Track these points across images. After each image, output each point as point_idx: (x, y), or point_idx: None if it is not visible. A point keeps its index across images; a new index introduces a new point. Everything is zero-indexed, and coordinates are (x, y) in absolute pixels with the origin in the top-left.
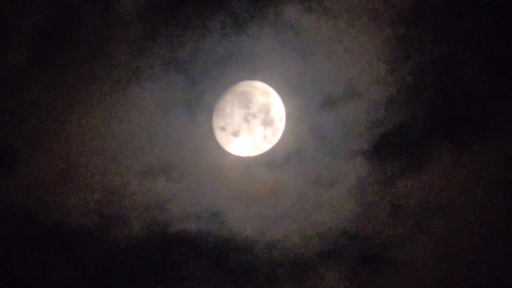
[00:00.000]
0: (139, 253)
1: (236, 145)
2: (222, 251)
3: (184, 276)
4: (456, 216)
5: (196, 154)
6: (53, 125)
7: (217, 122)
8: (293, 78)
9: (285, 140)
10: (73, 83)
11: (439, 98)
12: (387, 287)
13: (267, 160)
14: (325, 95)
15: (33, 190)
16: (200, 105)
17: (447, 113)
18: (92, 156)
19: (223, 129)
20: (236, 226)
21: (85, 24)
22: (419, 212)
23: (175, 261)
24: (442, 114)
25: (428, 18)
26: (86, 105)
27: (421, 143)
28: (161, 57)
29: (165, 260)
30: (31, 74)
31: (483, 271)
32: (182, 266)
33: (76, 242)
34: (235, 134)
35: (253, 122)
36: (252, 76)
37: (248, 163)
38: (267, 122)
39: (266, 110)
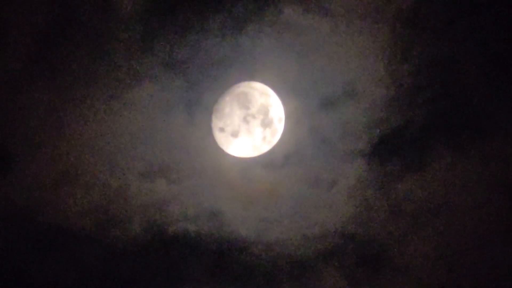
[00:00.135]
0: (138, 254)
1: (235, 146)
2: (221, 252)
3: (183, 276)
4: (455, 216)
5: (195, 155)
6: (52, 126)
7: (216, 123)
8: (292, 79)
9: (284, 141)
10: (72, 84)
11: (438, 99)
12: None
13: (266, 161)
14: (324, 95)
15: (32, 191)
16: (199, 106)
17: (446, 113)
18: (91, 157)
19: (222, 130)
20: (235, 227)
21: (84, 25)
22: (418, 213)
23: (174, 262)
24: (441, 114)
25: (428, 18)
26: (85, 106)
27: (420, 143)
28: (160, 58)
29: (164, 260)
30: (30, 75)
31: (482, 271)
32: (181, 266)
33: (75, 243)
34: (234, 135)
35: (252, 123)
36: (251, 77)
37: (247, 164)
38: (266, 123)
39: (265, 111)
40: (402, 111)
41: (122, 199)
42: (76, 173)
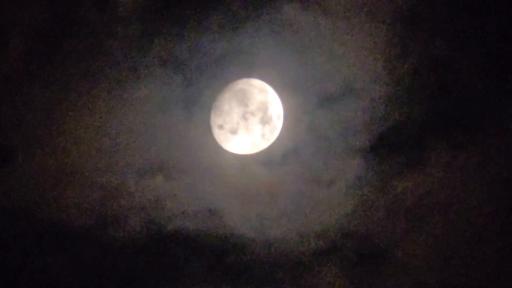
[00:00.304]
0: (136, 251)
1: (234, 143)
2: (219, 249)
3: (181, 274)
4: (454, 213)
5: (194, 152)
6: (51, 124)
7: (215, 120)
8: (291, 76)
9: (283, 138)
10: (71, 81)
11: (436, 97)
12: (385, 285)
13: (265, 158)
14: (323, 93)
15: (31, 189)
16: (198, 103)
17: (445, 111)
18: (89, 154)
19: (221, 127)
20: (233, 224)
21: (83, 22)
22: (417, 210)
23: (173, 259)
24: (439, 112)
25: (426, 16)
26: (84, 103)
27: (419, 141)
28: (159, 56)
29: (163, 258)
30: (29, 72)
31: (481, 268)
32: (180, 264)
33: (74, 241)
34: (233, 132)
35: (251, 120)
36: (250, 74)
37: (246, 161)
38: (265, 120)
39: (264, 108)
40: (400, 109)
41: (121, 196)
42: (74, 170)
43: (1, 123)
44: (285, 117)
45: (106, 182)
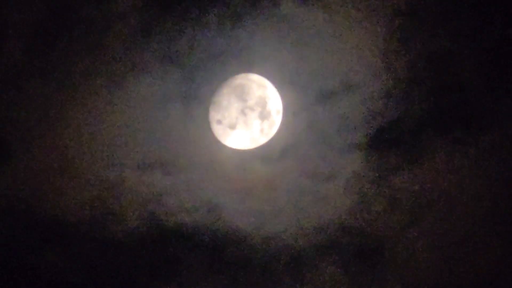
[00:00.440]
0: (135, 246)
1: (233, 138)
2: (218, 244)
3: (180, 269)
4: (452, 209)
5: (192, 148)
6: (49, 119)
7: (214, 115)
8: (289, 71)
9: (281, 133)
10: (70, 77)
11: (435, 92)
12: (383, 280)
13: (264, 153)
14: (322, 88)
15: (29, 184)
16: (197, 98)
17: (443, 107)
18: (88, 150)
19: (219, 122)
20: (232, 220)
21: (81, 17)
22: (415, 206)
23: (171, 254)
24: (438, 108)
25: (425, 11)
26: (82, 99)
27: (417, 137)
28: (158, 51)
29: (161, 253)
30: (27, 68)
31: (479, 264)
32: (178, 259)
33: (72, 236)
34: (232, 127)
35: (250, 115)
36: (249, 69)
37: (245, 156)
38: (264, 115)
39: (263, 103)
40: (399, 104)
41: (119, 192)
42: (73, 166)
43: (0, 118)
44: (284, 112)
45: (105, 178)
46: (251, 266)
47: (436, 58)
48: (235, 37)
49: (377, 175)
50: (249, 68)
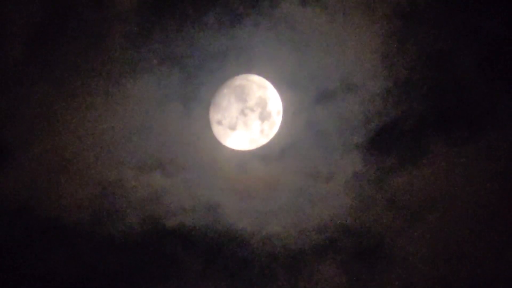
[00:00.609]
0: (134, 247)
1: (233, 139)
2: (218, 245)
3: (179, 269)
4: (452, 209)
5: (192, 148)
6: (49, 120)
7: (214, 116)
8: (289, 72)
9: (281, 134)
10: (69, 77)
11: (434, 93)
12: (382, 281)
13: (264, 154)
14: (321, 89)
15: (28, 185)
16: (197, 99)
17: (443, 107)
18: (87, 150)
19: (220, 122)
20: (232, 220)
21: (81, 18)
22: (414, 206)
23: (171, 255)
24: (437, 109)
25: (424, 12)
26: (82, 100)
27: (417, 137)
28: (157, 52)
29: (161, 253)
30: (26, 68)
31: (478, 264)
32: (178, 259)
33: (71, 236)
34: (232, 127)
35: (250, 115)
36: (249, 70)
37: (245, 157)
38: (264, 116)
39: (263, 104)
40: (398, 104)
41: (119, 192)
42: (72, 166)
43: None
44: (284, 112)
45: (104, 178)
46: (250, 266)
47: (436, 59)
48: (235, 38)
49: (377, 175)
50: (249, 68)
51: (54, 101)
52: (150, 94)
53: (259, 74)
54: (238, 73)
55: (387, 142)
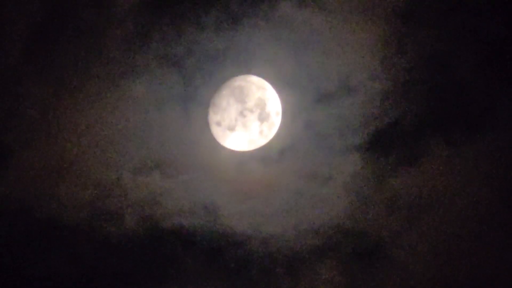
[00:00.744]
0: (133, 248)
1: (231, 140)
2: (216, 246)
3: (178, 271)
4: (450, 211)
5: (191, 149)
6: (47, 120)
7: (213, 117)
8: (288, 73)
9: (280, 135)
10: (68, 78)
11: (433, 94)
12: (381, 282)
13: (263, 155)
14: (320, 90)
15: (27, 185)
16: (196, 100)
17: (442, 108)
18: (86, 151)
19: (219, 123)
20: (230, 221)
21: (79, 19)
22: (413, 207)
23: (169, 256)
24: (436, 109)
25: (423, 13)
26: (80, 101)
27: (416, 138)
28: (156, 53)
29: (159, 255)
30: (25, 70)
31: (477, 265)
32: (176, 261)
33: (69, 237)
34: (231, 128)
35: (249, 117)
36: (248, 71)
37: (244, 158)
38: (263, 117)
39: (262, 105)
40: (397, 105)
41: (117, 193)
42: (71, 167)
43: None
44: (283, 114)
45: (103, 179)
46: (249, 268)
47: (434, 59)
48: (234, 39)
49: (376, 176)
50: (248, 69)
51: (54, 101)
52: (149, 95)
53: (258, 75)
54: (237, 74)
55: (386, 143)
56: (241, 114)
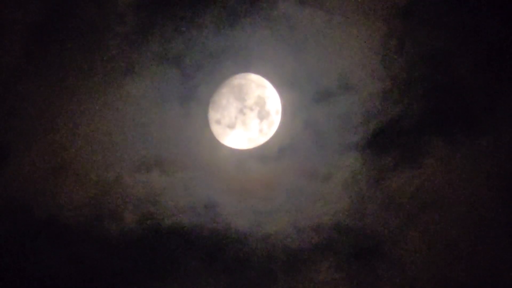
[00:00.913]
0: (132, 246)
1: (231, 138)
2: (216, 244)
3: (178, 269)
4: (449, 210)
5: (191, 147)
6: (47, 119)
7: (213, 115)
8: (287, 72)
9: (280, 133)
10: (67, 77)
11: (433, 92)
12: (380, 280)
13: (262, 153)
14: (320, 88)
15: (27, 184)
16: (195, 98)
17: (441, 107)
18: (85, 149)
19: (218, 122)
20: (230, 219)
21: (79, 18)
22: (413, 206)
23: (169, 254)
24: (436, 108)
25: (423, 12)
26: (80, 99)
27: (415, 137)
28: (156, 51)
29: (159, 253)
30: (24, 68)
31: (476, 264)
32: (176, 259)
33: (69, 236)
34: (231, 127)
35: (248, 115)
36: (247, 69)
37: (243, 156)
38: (263, 115)
39: (261, 103)
40: (397, 104)
41: (117, 191)
42: (70, 166)
43: None
44: (282, 112)
45: (102, 178)
46: (248, 266)
47: (434, 58)
48: (233, 37)
49: (375, 175)
50: (248, 68)
51: (52, 101)
52: (149, 93)
53: (258, 73)
54: (236, 72)
55: (385, 142)
56: (241, 112)
